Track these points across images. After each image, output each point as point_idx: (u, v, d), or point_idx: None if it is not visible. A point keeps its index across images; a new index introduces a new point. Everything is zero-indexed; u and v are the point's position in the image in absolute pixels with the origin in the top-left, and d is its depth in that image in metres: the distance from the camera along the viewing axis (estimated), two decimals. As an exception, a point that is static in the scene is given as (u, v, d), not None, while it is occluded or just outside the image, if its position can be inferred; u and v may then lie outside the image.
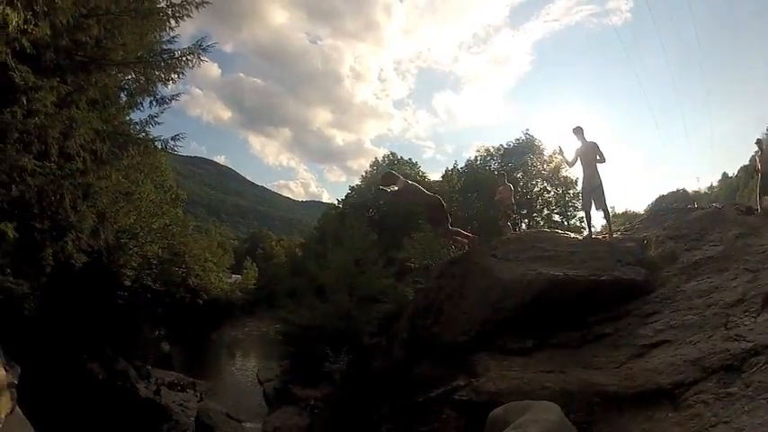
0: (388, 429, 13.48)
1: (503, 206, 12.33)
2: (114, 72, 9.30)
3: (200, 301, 38.98)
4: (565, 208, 33.80)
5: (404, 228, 29.34)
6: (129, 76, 10.09)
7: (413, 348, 7.89)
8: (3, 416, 8.21)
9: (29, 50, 7.07)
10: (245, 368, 36.07)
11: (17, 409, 9.28)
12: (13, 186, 8.09)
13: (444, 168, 48.16)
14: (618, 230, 9.53)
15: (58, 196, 9.26)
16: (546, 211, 34.46)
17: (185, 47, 9.25)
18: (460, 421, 5.75)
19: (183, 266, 33.42)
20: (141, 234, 24.93)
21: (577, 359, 5.68)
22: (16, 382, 8.96)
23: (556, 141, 47.23)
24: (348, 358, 18.97)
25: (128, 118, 11.86)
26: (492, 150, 37.47)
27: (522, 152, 35.13)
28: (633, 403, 4.69)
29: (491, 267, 7.44)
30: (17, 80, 7.33)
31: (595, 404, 4.82)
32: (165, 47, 9.89)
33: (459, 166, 39.63)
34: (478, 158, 38.37)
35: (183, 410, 22.61)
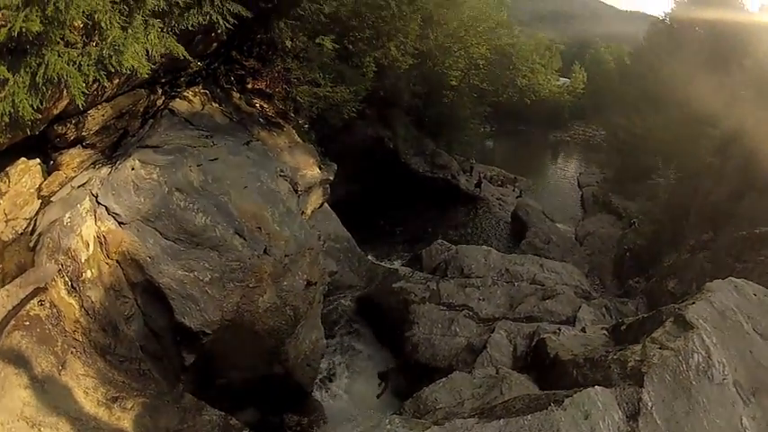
0: (706, 257, 11.59)
1: None
2: None
3: (528, 102, 40.07)
4: None
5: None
6: None
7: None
8: (309, 211, 9.81)
9: None
10: (566, 170, 35.97)
11: (325, 205, 11.10)
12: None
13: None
14: None
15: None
16: None
17: None
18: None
19: (511, 67, 33.80)
20: (466, 37, 25.35)
21: None
22: (331, 178, 10.64)
23: None
24: (676, 176, 16.49)
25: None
26: None
27: None
28: None
29: None
30: None
31: None
32: None
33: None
34: None
35: (501, 204, 24.73)
